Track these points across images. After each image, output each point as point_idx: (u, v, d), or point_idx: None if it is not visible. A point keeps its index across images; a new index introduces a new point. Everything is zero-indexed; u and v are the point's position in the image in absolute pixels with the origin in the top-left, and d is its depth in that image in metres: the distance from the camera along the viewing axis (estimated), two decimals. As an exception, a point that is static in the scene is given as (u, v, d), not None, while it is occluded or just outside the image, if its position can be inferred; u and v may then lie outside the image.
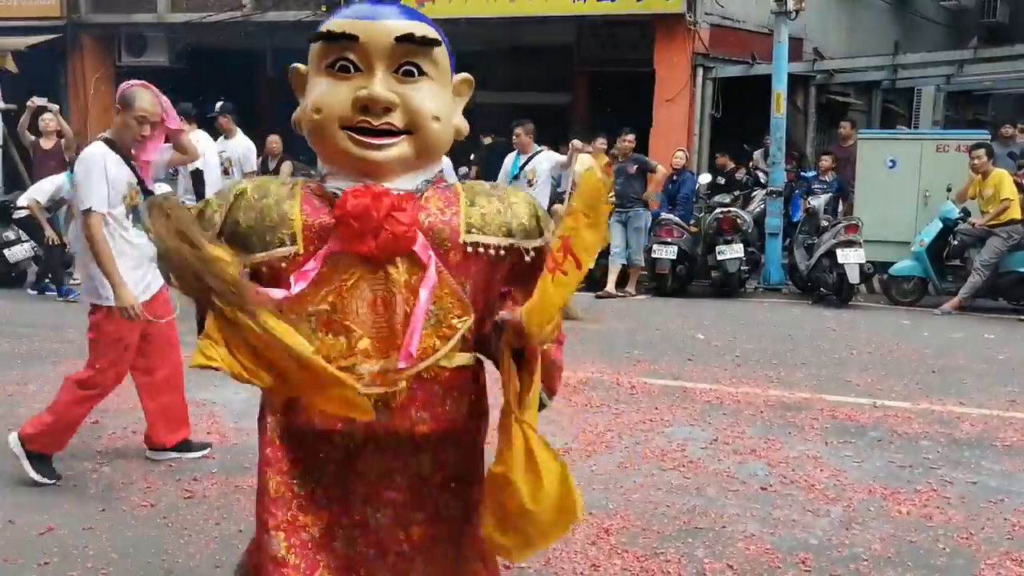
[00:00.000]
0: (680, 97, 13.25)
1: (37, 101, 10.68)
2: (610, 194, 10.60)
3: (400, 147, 2.03)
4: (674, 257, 10.49)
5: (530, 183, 9.46)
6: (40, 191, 9.56)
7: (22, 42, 15.81)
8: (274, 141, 11.93)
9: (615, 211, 10.48)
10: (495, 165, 10.10)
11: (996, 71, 14.41)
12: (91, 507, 3.91)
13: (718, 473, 4.44)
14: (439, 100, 2.09)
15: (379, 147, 2.01)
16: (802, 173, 12.13)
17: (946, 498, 4.16)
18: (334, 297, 1.99)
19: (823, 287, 10.10)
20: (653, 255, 10.65)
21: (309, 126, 2.06)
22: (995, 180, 9.64)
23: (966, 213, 10.01)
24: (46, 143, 10.40)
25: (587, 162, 11.00)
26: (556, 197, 10.38)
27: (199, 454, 4.61)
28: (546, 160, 9.59)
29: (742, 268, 10.69)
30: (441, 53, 2.11)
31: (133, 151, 4.27)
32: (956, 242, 9.92)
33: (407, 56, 2.04)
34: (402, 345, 1.98)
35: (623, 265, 10.68)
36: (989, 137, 11.08)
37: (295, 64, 2.19)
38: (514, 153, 9.74)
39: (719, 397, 5.88)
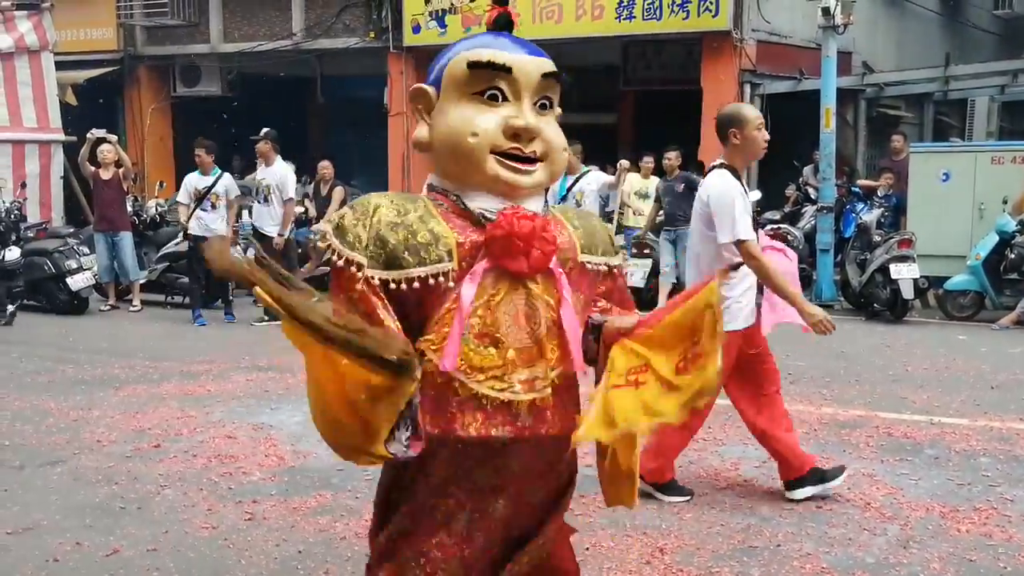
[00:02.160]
0: (728, 114, 13.19)
1: (96, 132, 10.97)
2: (659, 212, 10.61)
3: (539, 173, 2.24)
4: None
5: (578, 203, 9.49)
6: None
7: (81, 76, 16.29)
8: (326, 167, 12.12)
9: (664, 229, 10.47)
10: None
11: (1053, 80, 14.16)
12: (155, 529, 4.00)
13: (772, 492, 4.42)
14: (561, 133, 2.31)
15: (526, 172, 2.22)
16: (853, 188, 12.02)
17: (1007, 516, 4.10)
18: (483, 311, 2.16)
19: (876, 303, 9.99)
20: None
21: (460, 149, 2.21)
22: (1052, 192, 9.49)
23: (1023, 226, 9.85)
24: (105, 173, 10.68)
25: (635, 183, 11.04)
26: (604, 217, 10.41)
27: (837, 482, 4.32)
28: (594, 181, 9.63)
29: None
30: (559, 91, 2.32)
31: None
32: (1013, 255, 9.76)
33: (546, 91, 2.27)
34: (557, 356, 2.20)
35: (673, 284, 10.65)
36: (1046, 148, 10.90)
37: (420, 85, 2.32)
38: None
39: (772, 415, 5.83)
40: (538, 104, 2.25)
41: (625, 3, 13.40)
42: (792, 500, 4.24)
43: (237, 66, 17.33)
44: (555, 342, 2.20)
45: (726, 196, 4.07)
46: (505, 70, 2.20)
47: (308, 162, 13.26)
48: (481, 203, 2.21)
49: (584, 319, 2.31)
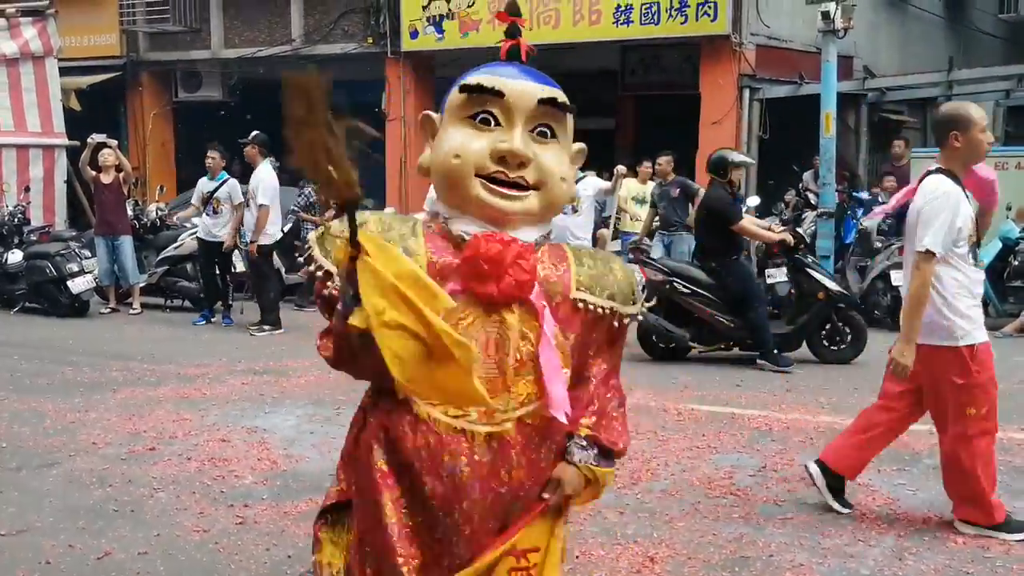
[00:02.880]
0: (727, 119, 13.18)
1: (97, 137, 11.01)
2: (656, 218, 10.58)
3: (528, 201, 2.15)
4: None
5: (575, 209, 9.45)
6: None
7: (85, 81, 16.37)
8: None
9: (659, 232, 10.46)
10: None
11: (1058, 84, 14.12)
12: (147, 532, 3.99)
13: (766, 501, 4.39)
14: (564, 162, 2.22)
15: (510, 197, 2.13)
16: (854, 194, 11.98)
17: (1004, 527, 4.06)
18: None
19: (877, 310, 9.94)
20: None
21: (444, 170, 2.16)
22: (1056, 198, 9.46)
23: (1029, 233, 9.83)
24: (105, 178, 10.71)
25: (632, 189, 11.00)
26: (601, 222, 10.39)
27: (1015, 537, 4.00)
28: (590, 186, 9.56)
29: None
30: (569, 120, 2.23)
31: None
32: (1017, 262, 9.74)
33: (544, 118, 2.18)
34: (529, 392, 2.08)
35: None
36: (1049, 153, 10.87)
37: (427, 112, 2.31)
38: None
39: (768, 423, 5.81)
40: (536, 131, 2.17)
41: (623, 7, 13.38)
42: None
43: (238, 72, 17.36)
44: (530, 377, 2.09)
45: (936, 203, 3.88)
46: (496, 94, 2.15)
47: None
48: (464, 226, 2.15)
49: (582, 364, 2.21)
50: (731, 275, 7.97)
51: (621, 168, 9.47)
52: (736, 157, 8.27)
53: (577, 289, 2.19)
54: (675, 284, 8.08)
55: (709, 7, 12.85)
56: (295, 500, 4.36)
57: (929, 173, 4.03)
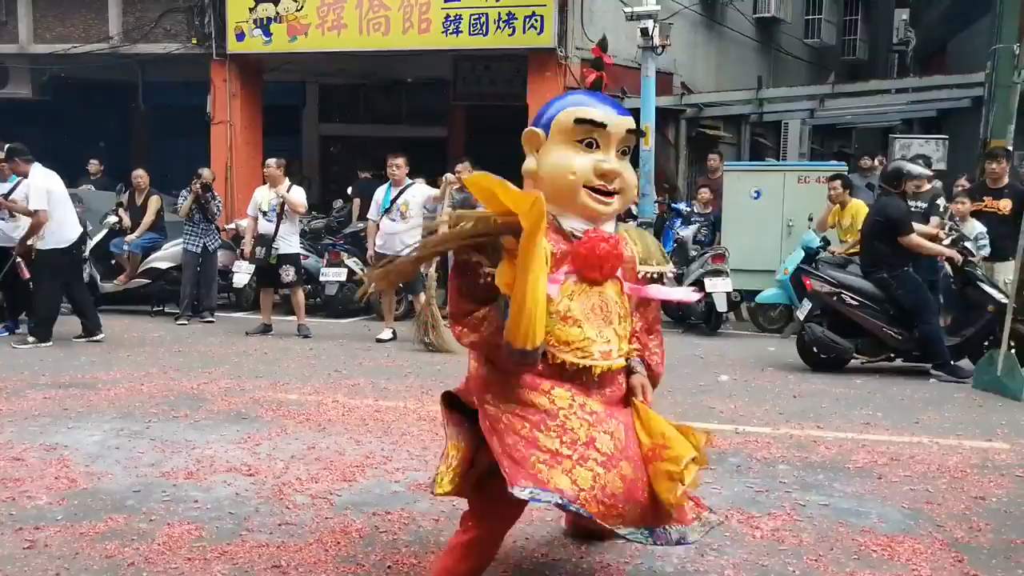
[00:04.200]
0: (554, 130, 13.40)
1: None
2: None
3: (615, 204, 3.11)
4: None
5: (403, 215, 9.42)
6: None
7: None
8: (140, 176, 11.69)
9: None
10: (370, 198, 10.03)
11: (855, 106, 15.13)
12: (-81, 564, 3.67)
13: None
14: (633, 173, 3.17)
15: (606, 203, 3.07)
16: (673, 205, 12.44)
17: (798, 521, 4.27)
18: (566, 302, 3.03)
19: (692, 316, 10.35)
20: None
21: (560, 182, 3.05)
22: (852, 210, 10.06)
23: (826, 242, 10.40)
24: None
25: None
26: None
27: None
28: (419, 193, 9.57)
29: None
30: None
31: None
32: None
33: (626, 142, 3.14)
34: (625, 337, 3.17)
35: None
36: (846, 168, 11.60)
37: (532, 128, 3.18)
38: (386, 185, 9.69)
39: (586, 427, 5.91)
40: (620, 151, 3.11)
41: (452, 17, 13.45)
42: None
43: (50, 68, 16.44)
44: (623, 330, 3.14)
45: None
46: (602, 126, 3.05)
47: (127, 170, 12.67)
48: (572, 224, 3.08)
49: (638, 314, 3.28)
50: (901, 286, 7.86)
51: (449, 176, 9.49)
52: (915, 170, 8.15)
53: (640, 264, 3.21)
54: (843, 296, 7.97)
55: (536, 20, 13.09)
56: (93, 520, 4.12)
57: None
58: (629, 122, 3.11)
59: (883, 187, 8.20)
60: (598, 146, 3.05)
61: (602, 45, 3.32)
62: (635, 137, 3.14)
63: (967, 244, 7.93)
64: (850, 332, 8.11)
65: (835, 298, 8.01)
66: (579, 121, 3.05)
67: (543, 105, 3.27)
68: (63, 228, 8.99)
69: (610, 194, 3.06)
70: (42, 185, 8.82)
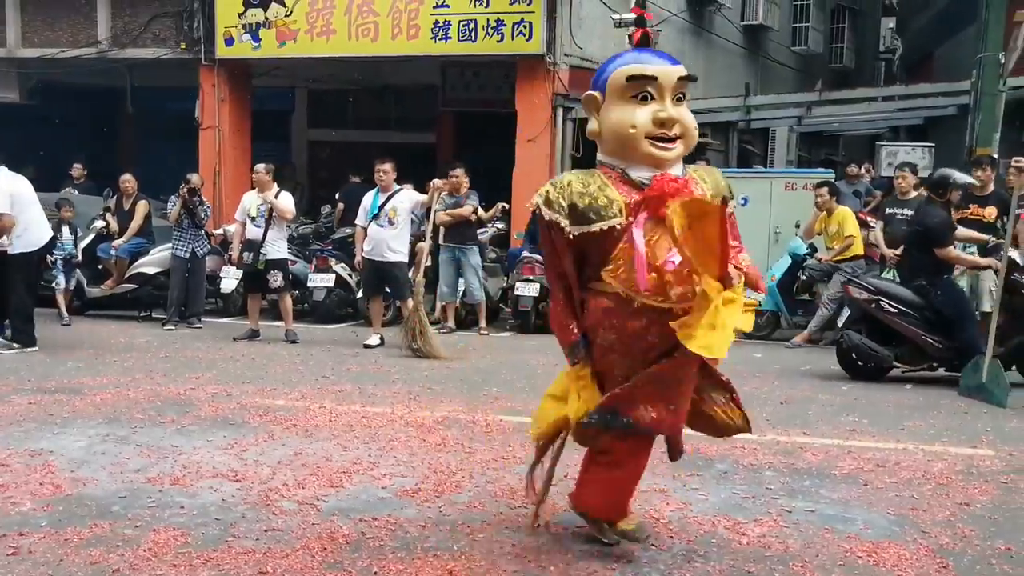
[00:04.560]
0: (541, 137, 13.47)
1: None
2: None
3: (678, 149, 3.42)
4: (536, 294, 10.61)
5: (391, 221, 9.41)
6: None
7: None
8: (128, 180, 11.68)
9: (446, 247, 10.61)
10: (357, 202, 10.03)
11: (842, 113, 15.20)
12: (-98, 571, 3.65)
13: (567, 509, 4.44)
14: (693, 118, 3.44)
15: (668, 149, 3.38)
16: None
17: (784, 527, 4.28)
18: (647, 248, 3.30)
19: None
20: (516, 292, 10.75)
21: (623, 136, 3.38)
22: (839, 217, 10.12)
23: (813, 249, 10.46)
24: None
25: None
26: (419, 237, 10.41)
27: None
28: (407, 199, 9.57)
29: None
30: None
31: None
32: (804, 277, 10.34)
33: (679, 89, 3.42)
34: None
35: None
36: (833, 176, 11.64)
37: (589, 92, 3.47)
38: (374, 191, 9.69)
39: (573, 433, 5.92)
40: (675, 98, 3.38)
41: (441, 23, 13.46)
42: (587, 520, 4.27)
43: (38, 73, 16.38)
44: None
45: None
46: (652, 78, 3.33)
47: (115, 175, 12.64)
48: (639, 173, 3.39)
49: None
50: (942, 294, 7.76)
51: (437, 182, 9.50)
52: (960, 178, 7.97)
53: (711, 199, 3.39)
54: (881, 303, 7.85)
55: (524, 27, 13.12)
56: (78, 526, 4.10)
57: None
58: (680, 70, 3.40)
59: (928, 195, 8.07)
60: (653, 98, 3.34)
61: (640, 3, 3.48)
62: (687, 83, 3.40)
63: (1014, 255, 7.70)
64: (890, 341, 8.01)
65: (873, 305, 7.89)
66: (631, 78, 3.34)
67: (599, 69, 3.56)
68: (30, 231, 8.83)
69: (671, 140, 3.37)
70: (5, 188, 8.63)
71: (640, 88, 3.33)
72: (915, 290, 7.90)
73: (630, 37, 3.55)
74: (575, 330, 3.57)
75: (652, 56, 3.40)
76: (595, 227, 3.34)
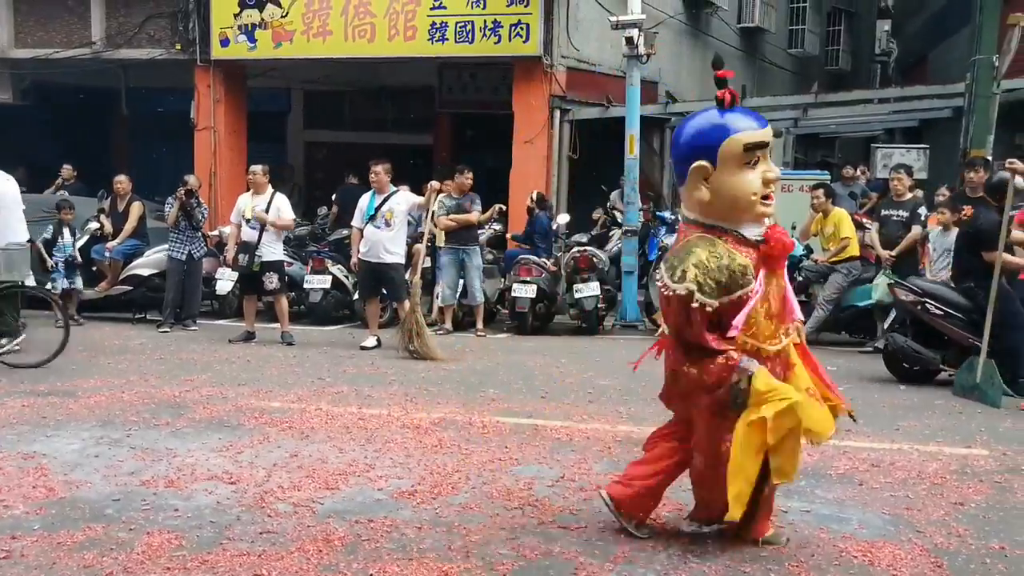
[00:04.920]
0: (538, 138, 13.47)
1: None
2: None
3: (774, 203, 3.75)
4: (533, 296, 10.61)
5: (387, 223, 9.40)
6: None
7: None
8: (121, 181, 11.65)
9: (448, 249, 10.61)
10: (352, 205, 10.01)
11: (838, 115, 15.19)
12: None
13: (563, 511, 4.46)
14: None
15: (771, 204, 3.71)
16: (658, 213, 12.47)
17: (780, 527, 4.28)
18: (767, 301, 3.70)
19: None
20: (513, 294, 10.75)
21: (743, 202, 3.63)
22: (835, 219, 10.11)
23: (809, 250, 10.46)
24: None
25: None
26: (416, 237, 10.41)
27: None
28: (403, 201, 9.55)
29: (599, 306, 10.88)
30: None
31: None
32: (801, 278, 10.33)
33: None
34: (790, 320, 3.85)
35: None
36: (829, 178, 11.65)
37: (700, 163, 3.61)
38: (370, 192, 9.68)
39: (569, 434, 5.93)
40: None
41: (438, 25, 13.47)
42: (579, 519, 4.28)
43: (31, 73, 16.35)
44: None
45: None
46: (765, 144, 3.64)
47: (110, 176, 12.62)
48: (752, 231, 3.69)
49: None
50: (989, 295, 7.50)
51: (434, 183, 9.49)
52: (1020, 183, 7.68)
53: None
54: (927, 305, 7.75)
55: (521, 29, 13.13)
56: (71, 529, 4.08)
57: None
58: (772, 132, 3.72)
59: (986, 199, 7.98)
60: (757, 160, 3.61)
61: (717, 63, 3.44)
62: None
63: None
64: (936, 343, 7.92)
65: (919, 307, 7.79)
66: (748, 148, 3.58)
67: (688, 133, 3.71)
68: (3, 234, 8.68)
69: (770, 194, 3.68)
70: None
71: (752, 155, 3.59)
72: (963, 292, 7.79)
73: (719, 100, 3.66)
74: (733, 362, 3.66)
75: (754, 120, 3.65)
76: (736, 295, 3.59)
